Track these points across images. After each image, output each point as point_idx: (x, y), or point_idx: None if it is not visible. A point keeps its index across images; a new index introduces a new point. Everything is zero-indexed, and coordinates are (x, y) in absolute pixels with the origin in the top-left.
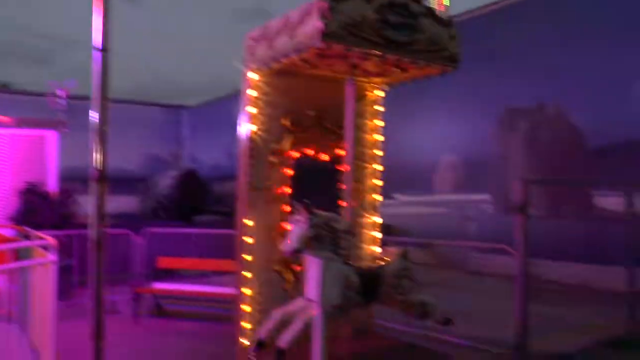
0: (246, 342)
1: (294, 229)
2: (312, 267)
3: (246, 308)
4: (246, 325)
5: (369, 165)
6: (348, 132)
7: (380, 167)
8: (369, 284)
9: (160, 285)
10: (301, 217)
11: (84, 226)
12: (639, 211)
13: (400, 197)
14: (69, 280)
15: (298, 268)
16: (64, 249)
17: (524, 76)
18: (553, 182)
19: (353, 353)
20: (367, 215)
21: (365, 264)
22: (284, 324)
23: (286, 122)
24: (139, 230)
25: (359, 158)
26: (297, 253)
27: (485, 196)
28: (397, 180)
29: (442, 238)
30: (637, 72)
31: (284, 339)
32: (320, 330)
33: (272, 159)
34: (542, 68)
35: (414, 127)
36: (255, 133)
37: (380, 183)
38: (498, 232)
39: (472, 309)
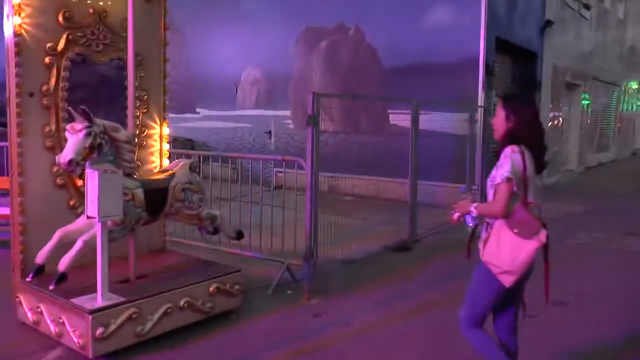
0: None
1: (70, 138)
2: (90, 181)
3: (22, 229)
4: (21, 248)
5: (158, 73)
6: (130, 32)
7: (166, 75)
8: (155, 198)
9: None
10: (77, 125)
11: None
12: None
13: (204, 111)
14: None
15: (80, 182)
16: None
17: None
18: (342, 96)
19: (144, 271)
20: (153, 125)
21: (151, 177)
22: (66, 245)
23: (60, 17)
24: None
25: (144, 64)
26: (72, 165)
27: (286, 112)
28: (201, 94)
29: (244, 152)
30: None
31: (64, 262)
32: (101, 250)
33: (46, 59)
34: None
35: (220, 41)
36: (22, 27)
37: (167, 91)
38: (297, 148)
39: (269, 223)
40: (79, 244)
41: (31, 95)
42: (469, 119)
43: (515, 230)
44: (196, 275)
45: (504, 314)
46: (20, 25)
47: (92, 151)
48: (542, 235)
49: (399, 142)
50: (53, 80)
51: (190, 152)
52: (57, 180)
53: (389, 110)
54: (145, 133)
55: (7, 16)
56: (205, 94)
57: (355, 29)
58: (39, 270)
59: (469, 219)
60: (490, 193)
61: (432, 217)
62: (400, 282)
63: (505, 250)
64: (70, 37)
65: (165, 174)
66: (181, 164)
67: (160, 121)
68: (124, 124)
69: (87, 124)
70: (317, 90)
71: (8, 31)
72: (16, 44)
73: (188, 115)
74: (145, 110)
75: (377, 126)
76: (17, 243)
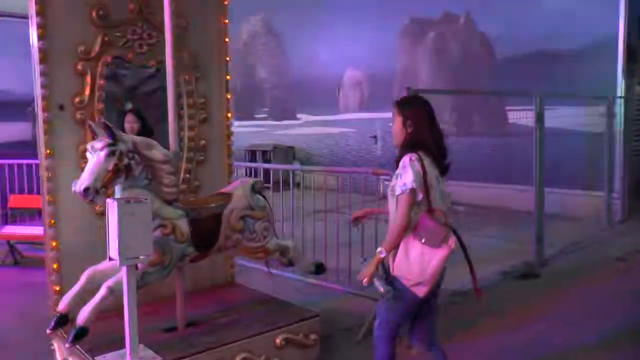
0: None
1: (90, 159)
2: (111, 214)
3: (54, 265)
4: (56, 287)
5: (218, 75)
6: (167, 28)
7: (228, 77)
8: (203, 230)
9: (13, 229)
10: (98, 144)
11: None
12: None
13: (305, 117)
14: None
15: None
16: None
17: None
18: (447, 92)
19: (198, 316)
20: (215, 137)
21: (200, 203)
22: (93, 290)
23: (94, 15)
24: None
25: (200, 65)
26: (89, 194)
27: (390, 114)
28: (302, 100)
29: (348, 159)
30: None
31: (83, 313)
32: (129, 299)
33: (78, 66)
34: None
35: (319, 44)
36: (47, 28)
37: (229, 96)
38: None
39: (369, 241)
40: (102, 291)
41: (61, 108)
42: (606, 113)
43: (422, 240)
44: (261, 322)
45: (420, 323)
46: (44, 27)
47: (118, 175)
48: (451, 241)
49: (519, 143)
50: (87, 90)
51: (253, 164)
52: (97, 207)
53: (506, 107)
54: (205, 147)
55: (31, 17)
56: (306, 99)
57: (465, 17)
58: (62, 320)
59: (377, 283)
60: (391, 203)
61: (562, 232)
62: (527, 323)
63: (415, 261)
64: (106, 38)
65: (218, 198)
66: (240, 184)
67: (224, 132)
68: (181, 138)
69: (109, 141)
70: (424, 88)
71: (33, 35)
72: (40, 50)
73: (289, 122)
74: (203, 119)
75: (493, 126)
76: (52, 283)
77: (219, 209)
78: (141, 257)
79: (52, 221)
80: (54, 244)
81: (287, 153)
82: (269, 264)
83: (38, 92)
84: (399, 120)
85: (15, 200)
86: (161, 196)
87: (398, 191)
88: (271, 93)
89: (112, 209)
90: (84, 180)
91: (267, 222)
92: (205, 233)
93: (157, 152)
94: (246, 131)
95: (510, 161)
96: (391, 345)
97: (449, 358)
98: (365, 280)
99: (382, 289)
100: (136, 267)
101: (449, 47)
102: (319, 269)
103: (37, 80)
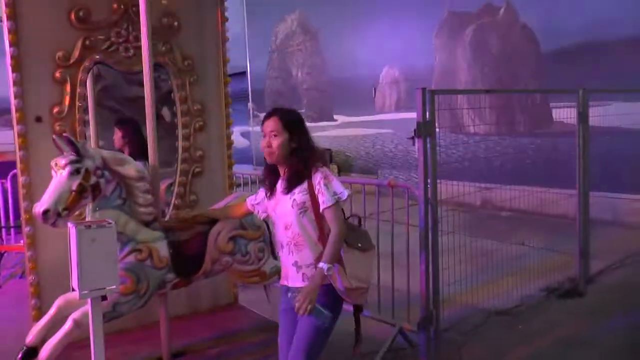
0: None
1: (54, 179)
2: (71, 239)
3: (32, 289)
4: (33, 312)
5: (215, 79)
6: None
7: (227, 80)
8: (185, 253)
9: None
10: (61, 160)
11: None
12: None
13: (342, 118)
14: None
15: None
16: None
17: None
18: (468, 91)
19: (188, 344)
20: (212, 146)
21: (182, 222)
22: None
23: (72, 17)
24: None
25: (196, 68)
26: (50, 217)
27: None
28: (338, 100)
29: (386, 162)
30: None
31: (46, 349)
32: (94, 333)
33: (56, 73)
34: None
35: (355, 42)
36: (17, 34)
37: (228, 101)
38: (444, 155)
39: (399, 252)
40: (67, 325)
41: (38, 120)
42: None
43: (359, 245)
44: (254, 354)
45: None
46: (16, 32)
47: (83, 195)
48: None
49: (566, 143)
50: (67, 100)
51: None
52: None
53: (551, 104)
54: (202, 157)
55: (3, 22)
56: (342, 99)
57: (506, 8)
58: (29, 353)
59: (322, 308)
60: (299, 220)
61: (611, 242)
62: (570, 350)
63: (360, 270)
64: (87, 42)
65: (204, 216)
66: (233, 200)
67: (223, 141)
68: (175, 149)
69: (72, 157)
70: (464, 85)
71: (8, 38)
72: (12, 57)
73: (325, 123)
74: (200, 128)
75: (537, 125)
76: (31, 307)
77: (203, 229)
78: (105, 288)
79: (30, 242)
80: (31, 266)
81: (324, 156)
82: (268, 289)
83: (16, 102)
84: (284, 136)
85: None
86: (137, 217)
87: (331, 202)
88: (308, 94)
89: (71, 233)
90: (44, 201)
91: (262, 243)
92: (188, 257)
93: (130, 169)
94: None
95: (556, 163)
96: None
97: None
98: (309, 307)
99: (325, 313)
100: (104, 298)
101: (489, 40)
102: None
103: (10, 90)
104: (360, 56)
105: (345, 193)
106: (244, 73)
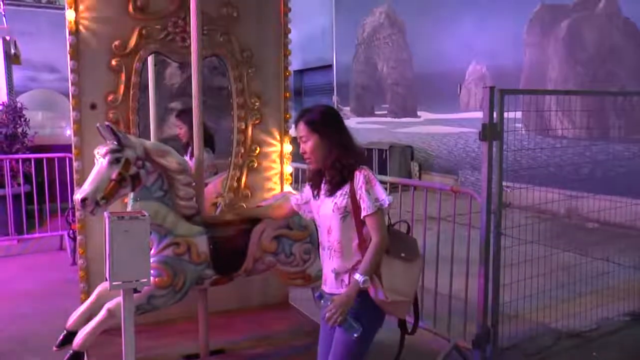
0: None
1: (95, 167)
2: (106, 229)
3: (82, 273)
4: (82, 296)
5: (274, 73)
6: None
7: (287, 73)
8: (227, 250)
9: None
10: (102, 149)
11: (37, 149)
12: None
13: (425, 115)
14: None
15: None
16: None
17: None
18: (532, 92)
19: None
20: (270, 142)
21: (226, 218)
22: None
23: (130, 6)
24: None
25: (255, 60)
26: (88, 205)
27: (517, 114)
28: (423, 96)
29: (468, 163)
30: None
31: (79, 337)
32: (126, 326)
33: (112, 62)
34: None
35: (442, 36)
36: (79, 22)
37: (289, 95)
38: (529, 158)
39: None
40: (102, 314)
41: (93, 107)
42: None
43: (402, 255)
44: (296, 358)
45: None
46: (76, 21)
47: (122, 185)
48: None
49: None
50: (122, 88)
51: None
52: None
53: None
54: (257, 152)
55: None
56: (427, 95)
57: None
58: (69, 337)
59: (349, 328)
60: (337, 223)
61: None
62: None
63: (402, 282)
64: (143, 31)
65: (249, 213)
66: (280, 197)
67: (279, 136)
68: (230, 143)
69: (113, 147)
70: (554, 84)
71: (70, 27)
72: (71, 45)
73: (409, 119)
74: (257, 121)
75: (636, 131)
76: (80, 291)
77: (247, 226)
78: (136, 281)
79: (81, 227)
80: (81, 251)
81: (405, 152)
82: (316, 291)
83: (72, 90)
84: (314, 137)
85: None
86: (178, 210)
87: (372, 209)
88: (392, 89)
89: (106, 224)
90: (83, 189)
91: (309, 244)
92: (229, 254)
93: (172, 161)
94: (365, 128)
95: None
96: None
97: None
98: (340, 318)
99: (356, 327)
100: (136, 290)
101: (585, 36)
102: None
103: (69, 77)
104: (447, 51)
105: (387, 200)
106: (330, 66)
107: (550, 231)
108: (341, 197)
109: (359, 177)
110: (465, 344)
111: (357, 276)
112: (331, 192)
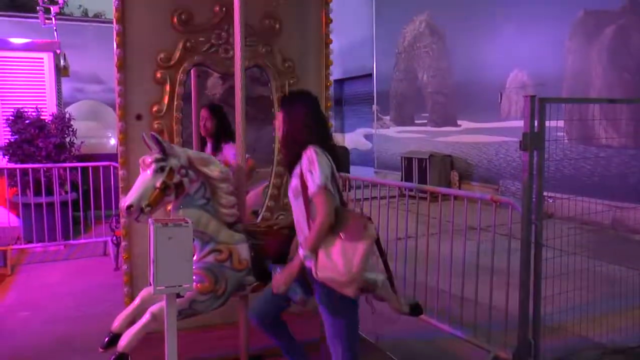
0: None
1: (140, 175)
2: (150, 236)
3: (125, 278)
4: (126, 300)
5: (316, 83)
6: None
7: (329, 83)
8: (269, 258)
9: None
10: (148, 158)
11: (83, 158)
12: None
13: (465, 124)
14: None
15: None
16: (61, 183)
17: None
18: (571, 100)
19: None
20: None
21: (267, 226)
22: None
23: (175, 19)
24: None
25: (296, 71)
26: (133, 212)
27: (560, 123)
28: (463, 105)
29: (508, 172)
30: None
31: (124, 339)
32: (168, 330)
33: (157, 73)
34: None
35: (482, 43)
36: (124, 36)
37: (330, 105)
38: (572, 168)
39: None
40: (146, 317)
41: (138, 117)
42: None
43: (342, 236)
44: None
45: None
46: (123, 34)
47: (166, 193)
48: (372, 229)
49: None
50: (166, 99)
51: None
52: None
53: None
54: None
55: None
56: (467, 104)
57: None
58: (114, 339)
59: (293, 294)
60: (296, 205)
61: None
62: None
63: (339, 260)
64: (188, 44)
65: (289, 220)
66: None
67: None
68: (272, 152)
69: (158, 156)
70: (598, 92)
71: (117, 39)
72: (118, 58)
73: (449, 128)
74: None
75: None
76: (124, 295)
77: (288, 234)
78: (179, 286)
79: (125, 233)
80: (125, 256)
81: (445, 162)
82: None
83: (118, 101)
84: (279, 117)
85: None
86: (220, 218)
87: (313, 188)
88: (432, 97)
89: (150, 230)
90: (129, 197)
91: None
92: (270, 261)
93: (215, 169)
94: (405, 137)
95: None
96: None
97: None
98: (282, 288)
99: (298, 296)
100: (179, 296)
101: (631, 42)
102: (415, 310)
103: (117, 88)
104: (487, 59)
105: (320, 180)
106: (370, 75)
107: (595, 242)
108: (294, 178)
109: (304, 157)
110: (506, 355)
111: (300, 251)
112: (290, 173)
